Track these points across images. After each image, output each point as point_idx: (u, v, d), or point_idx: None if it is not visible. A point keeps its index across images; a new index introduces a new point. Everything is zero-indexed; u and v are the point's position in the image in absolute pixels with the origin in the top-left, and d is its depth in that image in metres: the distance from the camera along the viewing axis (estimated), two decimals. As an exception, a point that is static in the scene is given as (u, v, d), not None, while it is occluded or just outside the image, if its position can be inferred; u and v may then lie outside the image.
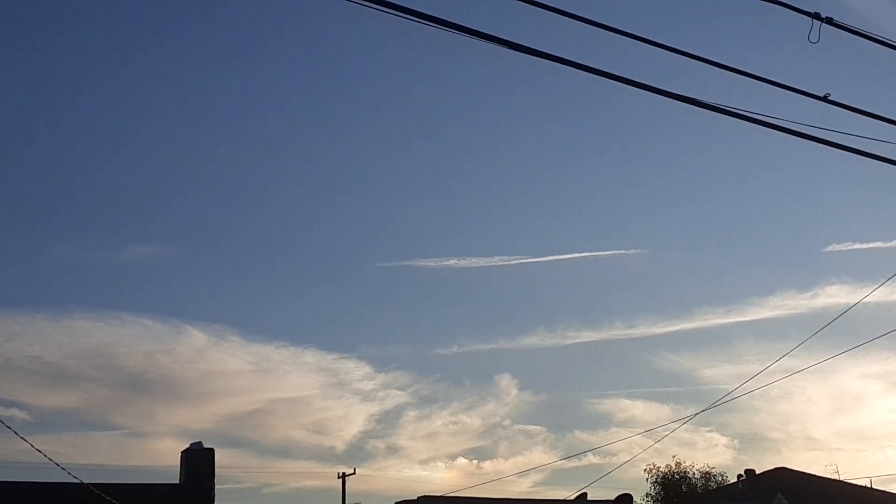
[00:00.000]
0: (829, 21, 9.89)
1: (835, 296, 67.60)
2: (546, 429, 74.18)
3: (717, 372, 75.21)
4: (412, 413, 75.67)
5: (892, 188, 65.55)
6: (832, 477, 48.29)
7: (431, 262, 77.86)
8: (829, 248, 76.49)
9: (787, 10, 9.75)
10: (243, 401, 74.41)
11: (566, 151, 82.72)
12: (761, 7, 9.61)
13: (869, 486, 47.77)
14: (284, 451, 75.67)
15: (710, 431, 70.97)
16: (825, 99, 10.21)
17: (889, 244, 65.60)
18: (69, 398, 71.42)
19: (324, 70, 79.83)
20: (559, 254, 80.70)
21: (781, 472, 47.37)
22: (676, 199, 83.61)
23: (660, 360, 76.99)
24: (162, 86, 78.45)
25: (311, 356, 74.68)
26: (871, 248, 70.71)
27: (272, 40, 77.97)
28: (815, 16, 9.90)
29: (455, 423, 74.79)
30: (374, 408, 74.48)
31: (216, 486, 31.39)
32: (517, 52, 8.33)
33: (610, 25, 8.94)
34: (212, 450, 32.62)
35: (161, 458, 66.32)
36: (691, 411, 56.85)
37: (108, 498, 24.85)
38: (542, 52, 8.51)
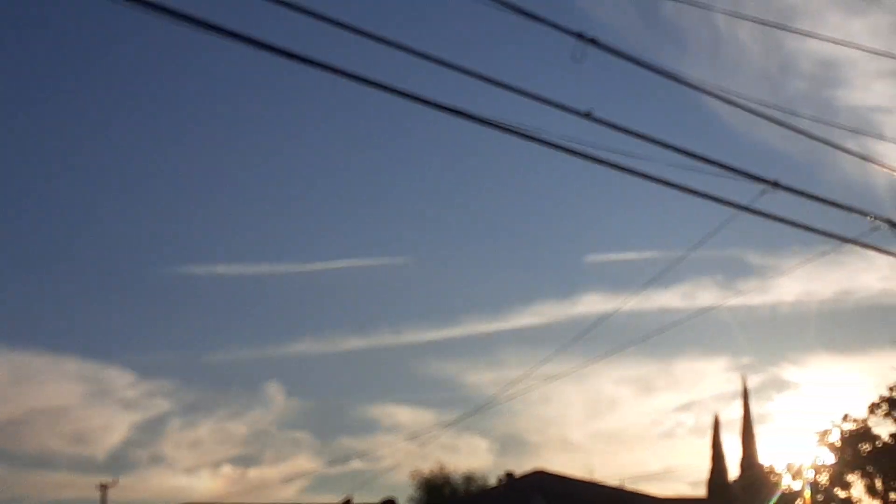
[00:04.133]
0: (594, 42, 10.22)
1: (592, 304, 70.17)
2: (312, 435, 73.81)
3: (481, 378, 76.68)
4: (177, 421, 73.63)
5: (646, 201, 68.52)
6: (587, 478, 50.32)
7: (198, 269, 75.89)
8: (588, 259, 79.34)
9: (553, 29, 10.06)
10: (-3, 411, 70.66)
11: (330, 159, 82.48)
12: (529, 26, 9.88)
13: (621, 485, 50.11)
14: (42, 462, 72.23)
15: (472, 436, 72.50)
16: (588, 116, 10.54)
17: (643, 255, 68.56)
18: None
19: (89, 68, 76.59)
20: (326, 261, 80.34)
21: (540, 474, 48.90)
22: (441, 209, 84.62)
23: (426, 366, 77.94)
24: None
25: (71, 364, 71.63)
26: (626, 259, 73.96)
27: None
28: (580, 36, 10.20)
29: (220, 430, 73.48)
30: (137, 416, 72.07)
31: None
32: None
33: (377, 34, 8.98)
34: (-43, 463, 30.78)
35: None
36: (456, 416, 57.91)
37: None
38: (308, 59, 8.45)
